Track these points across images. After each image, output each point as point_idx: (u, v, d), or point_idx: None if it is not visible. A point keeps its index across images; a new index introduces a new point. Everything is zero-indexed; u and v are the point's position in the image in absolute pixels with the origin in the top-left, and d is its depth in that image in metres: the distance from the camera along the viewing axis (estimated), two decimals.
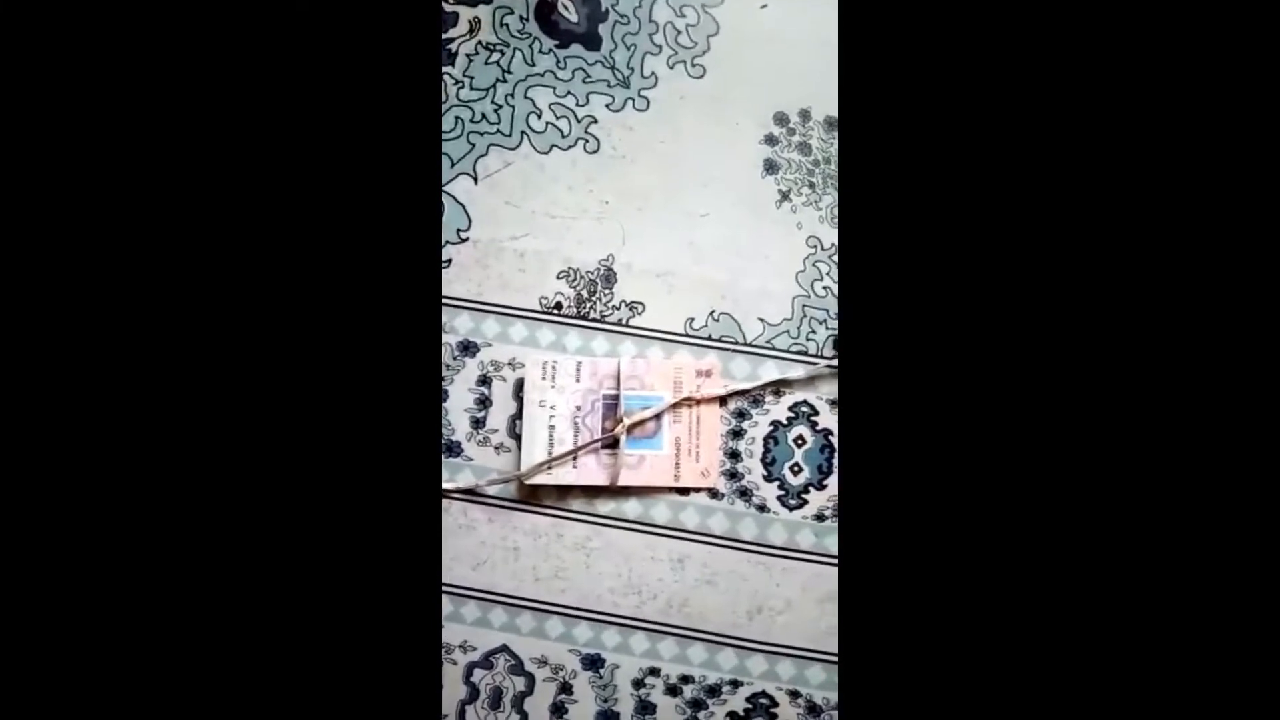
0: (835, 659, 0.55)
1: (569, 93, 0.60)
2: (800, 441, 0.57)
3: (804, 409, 0.57)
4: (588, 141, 0.59)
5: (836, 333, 0.57)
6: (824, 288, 0.58)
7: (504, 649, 0.56)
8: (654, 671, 0.55)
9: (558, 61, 0.60)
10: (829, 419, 0.57)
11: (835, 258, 0.58)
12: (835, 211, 0.59)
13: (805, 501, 0.56)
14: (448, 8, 0.61)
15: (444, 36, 0.60)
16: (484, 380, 0.57)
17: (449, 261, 0.58)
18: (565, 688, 0.55)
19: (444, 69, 0.60)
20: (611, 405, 0.56)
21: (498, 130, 0.59)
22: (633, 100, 0.60)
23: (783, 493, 0.56)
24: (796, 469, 0.57)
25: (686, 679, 0.55)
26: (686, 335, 0.58)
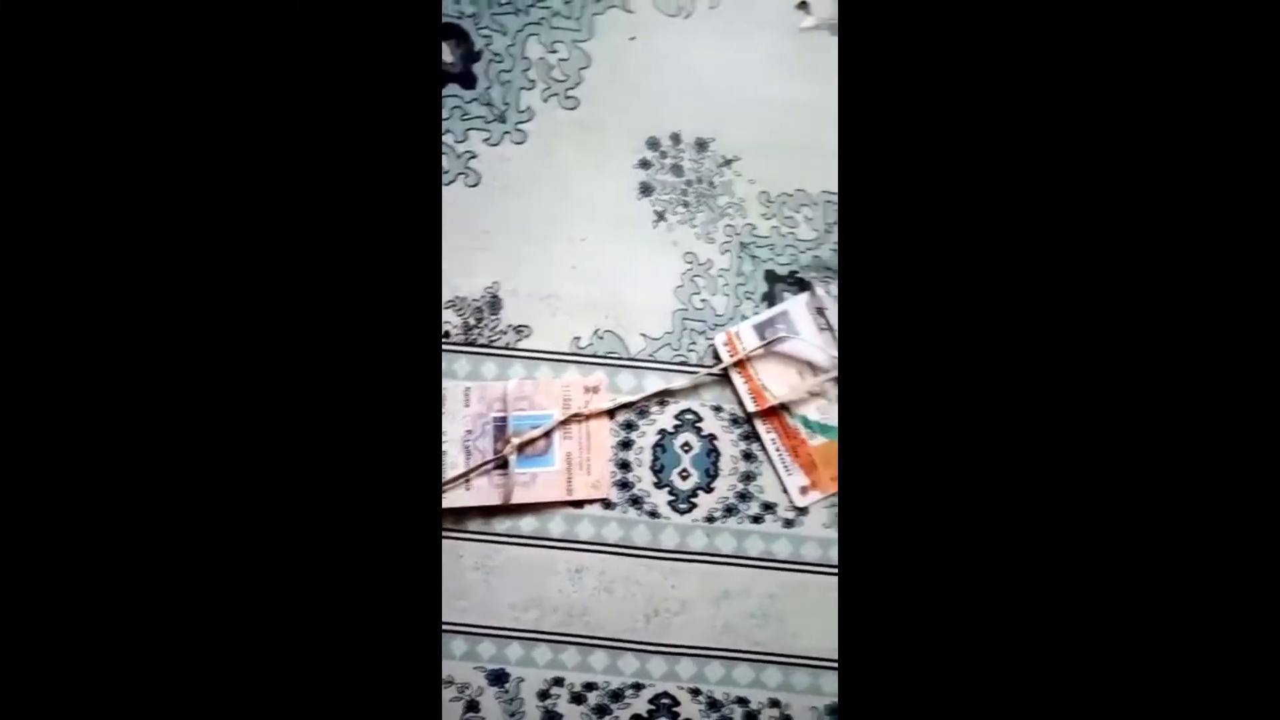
0: (730, 655, 0.57)
1: (448, 130, 0.62)
2: (687, 448, 0.59)
3: (689, 416, 0.59)
4: (468, 175, 0.62)
5: (713, 342, 0.60)
6: (701, 300, 0.60)
7: None
8: (558, 681, 0.57)
9: None
10: (714, 424, 0.59)
11: (711, 271, 0.61)
12: (710, 228, 0.61)
13: (695, 505, 0.58)
14: None
15: None
16: None
17: None
18: (472, 705, 0.57)
19: None
20: (501, 427, 0.58)
21: None
22: (510, 134, 0.62)
23: (673, 498, 0.58)
24: (685, 474, 0.59)
25: (590, 686, 0.57)
26: (574, 354, 0.60)
